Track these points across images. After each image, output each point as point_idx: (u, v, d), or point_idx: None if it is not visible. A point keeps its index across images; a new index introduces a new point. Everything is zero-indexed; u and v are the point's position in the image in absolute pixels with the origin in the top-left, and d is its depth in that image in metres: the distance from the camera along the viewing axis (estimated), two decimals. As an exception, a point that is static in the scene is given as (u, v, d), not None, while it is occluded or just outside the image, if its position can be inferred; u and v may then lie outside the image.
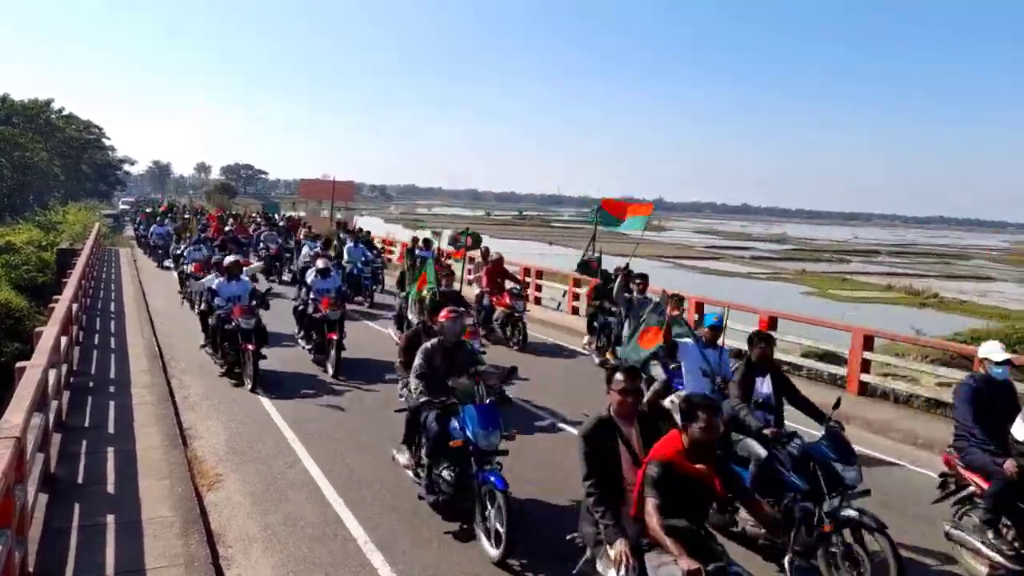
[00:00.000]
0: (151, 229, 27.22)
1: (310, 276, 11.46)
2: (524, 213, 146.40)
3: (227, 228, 23.95)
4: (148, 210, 37.40)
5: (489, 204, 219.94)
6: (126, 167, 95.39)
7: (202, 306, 11.21)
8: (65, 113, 71.37)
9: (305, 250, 16.78)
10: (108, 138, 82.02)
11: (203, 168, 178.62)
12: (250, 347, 9.60)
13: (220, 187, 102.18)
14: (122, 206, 65.89)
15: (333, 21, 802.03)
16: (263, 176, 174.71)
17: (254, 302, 10.25)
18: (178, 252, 20.26)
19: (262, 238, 23.20)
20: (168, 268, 22.68)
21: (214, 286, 10.42)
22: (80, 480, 6.34)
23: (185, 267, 16.45)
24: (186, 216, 30.04)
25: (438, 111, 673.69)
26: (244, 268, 11.48)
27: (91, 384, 9.45)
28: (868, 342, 10.78)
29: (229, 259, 10.96)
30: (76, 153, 71.09)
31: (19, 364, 6.29)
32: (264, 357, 9.87)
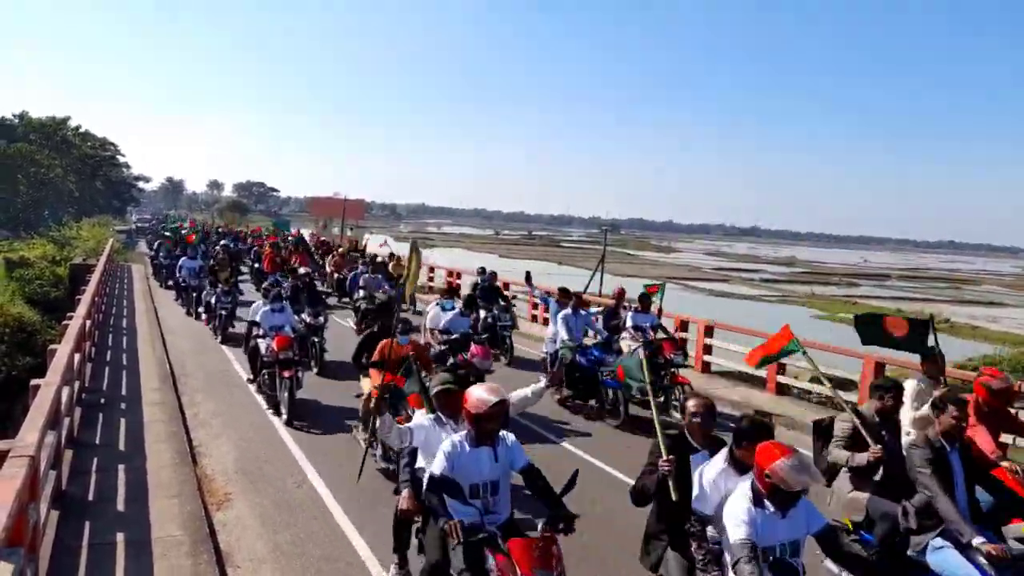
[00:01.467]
0: (180, 263, 18.60)
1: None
2: (533, 233, 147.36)
3: (296, 265, 16.19)
4: (167, 233, 30.38)
5: (498, 223, 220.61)
6: (140, 184, 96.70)
7: (401, 485, 4.96)
8: (81, 130, 72.61)
9: (436, 313, 10.99)
10: (123, 155, 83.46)
11: (215, 185, 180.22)
12: None
13: (232, 204, 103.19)
14: (136, 223, 66.38)
15: (345, 43, 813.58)
16: (275, 193, 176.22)
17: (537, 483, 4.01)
18: (211, 299, 15.06)
19: (361, 283, 16.04)
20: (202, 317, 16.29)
21: (421, 439, 4.55)
22: (91, 497, 6.38)
23: (262, 341, 9.82)
24: (215, 235, 23.90)
25: (448, 132, 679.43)
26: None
27: (103, 400, 9.51)
28: (879, 369, 10.71)
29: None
30: (91, 170, 72.15)
31: (34, 382, 6.35)
32: None
